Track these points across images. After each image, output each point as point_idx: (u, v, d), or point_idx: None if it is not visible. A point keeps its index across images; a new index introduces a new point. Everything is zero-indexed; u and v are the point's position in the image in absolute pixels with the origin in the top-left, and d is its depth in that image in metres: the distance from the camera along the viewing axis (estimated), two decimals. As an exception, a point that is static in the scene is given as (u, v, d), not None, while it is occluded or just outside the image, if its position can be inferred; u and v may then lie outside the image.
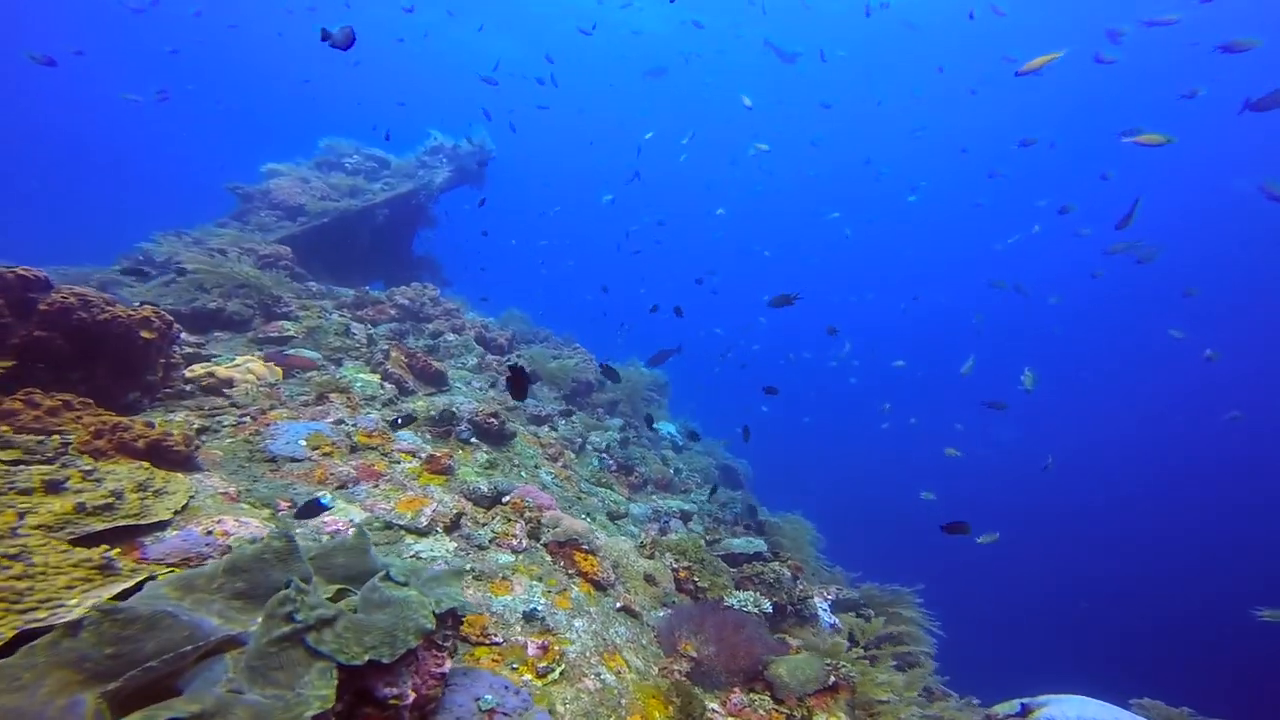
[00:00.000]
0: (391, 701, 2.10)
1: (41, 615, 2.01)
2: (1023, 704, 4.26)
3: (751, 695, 3.81)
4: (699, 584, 4.79)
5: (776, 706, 3.72)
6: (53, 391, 3.98)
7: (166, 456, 3.70)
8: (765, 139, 16.08)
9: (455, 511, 4.21)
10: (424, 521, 4.00)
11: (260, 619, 2.01)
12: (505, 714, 2.56)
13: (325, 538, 3.64)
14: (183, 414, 4.72)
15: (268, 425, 4.75)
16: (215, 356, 6.17)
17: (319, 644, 1.95)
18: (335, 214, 10.87)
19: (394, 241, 12.90)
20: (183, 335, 5.81)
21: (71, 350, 4.67)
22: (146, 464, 3.37)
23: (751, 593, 4.75)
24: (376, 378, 6.26)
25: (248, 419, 4.84)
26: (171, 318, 5.04)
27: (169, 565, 2.84)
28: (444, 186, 13.21)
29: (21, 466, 2.93)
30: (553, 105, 24.30)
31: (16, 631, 1.92)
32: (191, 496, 3.37)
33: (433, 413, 5.65)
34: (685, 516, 6.74)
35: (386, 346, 6.96)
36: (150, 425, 3.72)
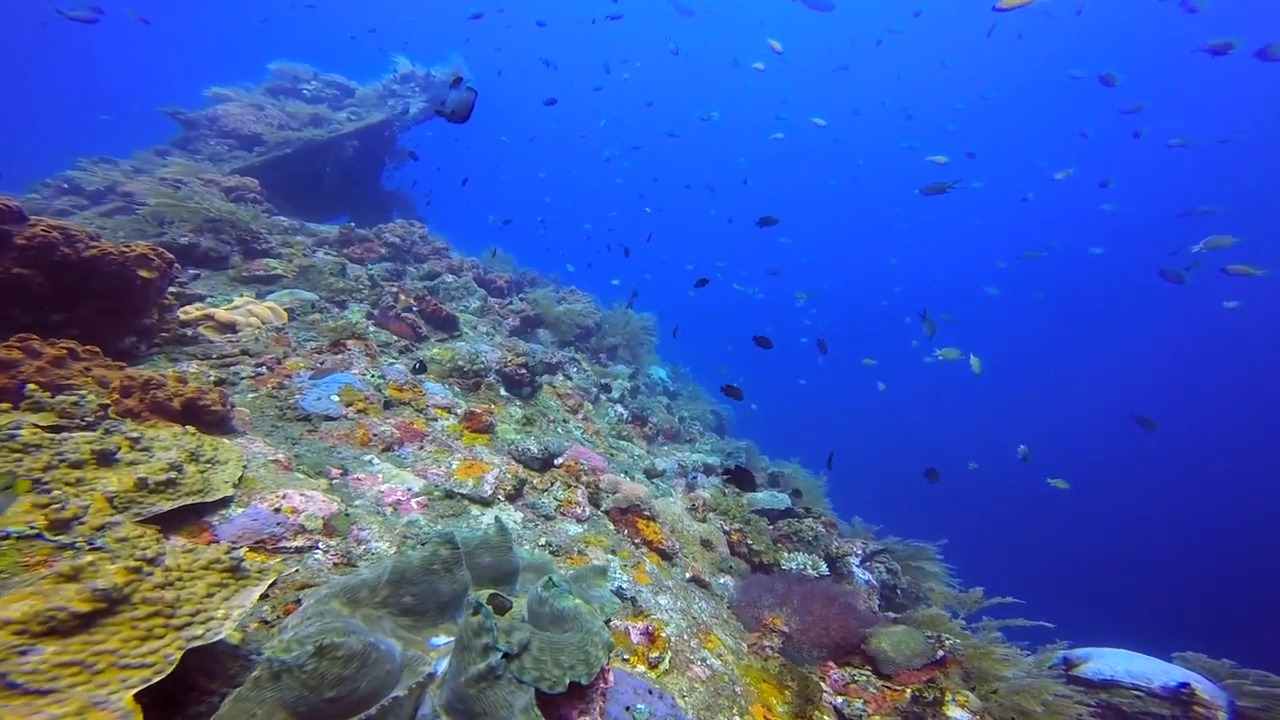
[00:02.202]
0: None
1: (199, 631, 1.72)
2: (1064, 656, 4.43)
3: (849, 670, 3.71)
4: (752, 547, 4.73)
5: (887, 683, 3.63)
6: (33, 337, 3.50)
7: (202, 417, 3.33)
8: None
9: (518, 478, 3.97)
10: (487, 490, 3.75)
11: (454, 653, 1.79)
12: (657, 725, 2.43)
13: (388, 510, 3.38)
14: (193, 365, 4.27)
15: (289, 377, 4.35)
16: (205, 297, 5.63)
17: (522, 673, 1.75)
18: (298, 145, 9.96)
19: (362, 176, 12.00)
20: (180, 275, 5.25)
21: (54, 290, 4.13)
22: (192, 429, 3.01)
23: (810, 556, 4.73)
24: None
25: (264, 369, 4.43)
26: (172, 255, 4.50)
27: (245, 549, 2.56)
28: (418, 117, 12.27)
29: (64, 434, 2.54)
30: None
31: (183, 652, 1.64)
32: (244, 466, 3.04)
33: (460, 362, 5.31)
34: (708, 470, 6.67)
35: (395, 289, 6.48)
36: (183, 381, 3.31)
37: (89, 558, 1.71)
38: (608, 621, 2.22)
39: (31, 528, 1.84)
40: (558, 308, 8.45)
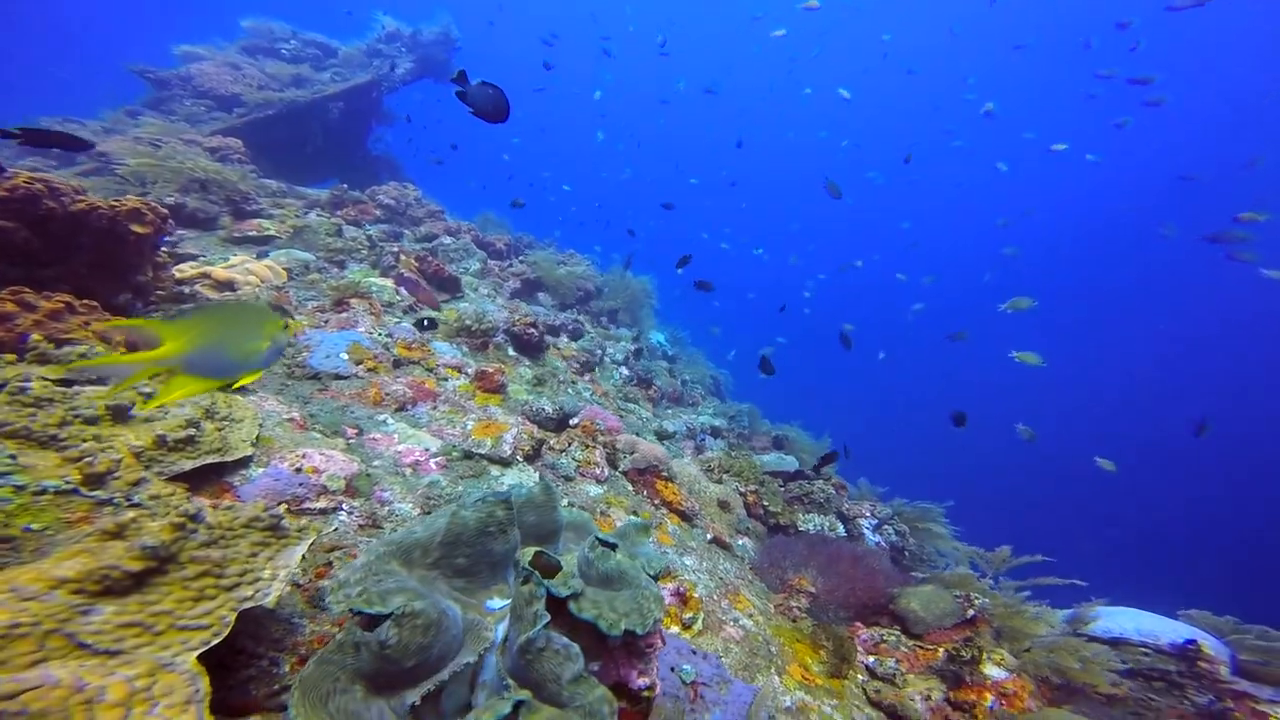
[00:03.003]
0: (645, 694, 1.88)
1: (249, 592, 1.63)
2: (1072, 614, 4.49)
3: (878, 630, 3.71)
4: (768, 508, 4.71)
5: (918, 643, 3.64)
6: (25, 289, 3.32)
7: (212, 374, 3.17)
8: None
9: (535, 439, 3.88)
10: (506, 450, 3.66)
11: (510, 620, 1.73)
12: (706, 684, 2.40)
13: (408, 471, 3.28)
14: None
15: (295, 335, 4.19)
16: (197, 257, 5.40)
17: (580, 612, 1.68)
18: (281, 106, 9.52)
19: (348, 139, 11.56)
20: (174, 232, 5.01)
21: (41, 245, 3.92)
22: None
23: (825, 517, 4.73)
24: (389, 283, 5.65)
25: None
26: (166, 210, 4.27)
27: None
28: (406, 78, 11.81)
29: (75, 389, 2.39)
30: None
31: (236, 613, 1.55)
32: (260, 425, 2.91)
33: (467, 321, 5.16)
34: (715, 432, 6.64)
35: (396, 249, 6.27)
36: (189, 337, 3.15)
37: (130, 514, 1.60)
38: (655, 577, 2.16)
39: (67, 482, 1.72)
40: (559, 270, 8.27)
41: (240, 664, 1.98)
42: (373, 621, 1.70)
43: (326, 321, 4.57)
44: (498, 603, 2.02)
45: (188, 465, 2.31)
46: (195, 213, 6.28)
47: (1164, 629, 4.36)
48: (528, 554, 2.22)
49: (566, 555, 2.36)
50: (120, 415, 2.32)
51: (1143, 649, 4.47)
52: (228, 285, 4.89)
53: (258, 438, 2.77)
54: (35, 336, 2.58)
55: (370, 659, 1.63)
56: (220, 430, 2.59)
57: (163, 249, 4.84)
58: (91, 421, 2.21)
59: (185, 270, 4.86)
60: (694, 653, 2.59)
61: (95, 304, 3.50)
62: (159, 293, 4.43)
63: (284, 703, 2.00)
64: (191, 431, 2.39)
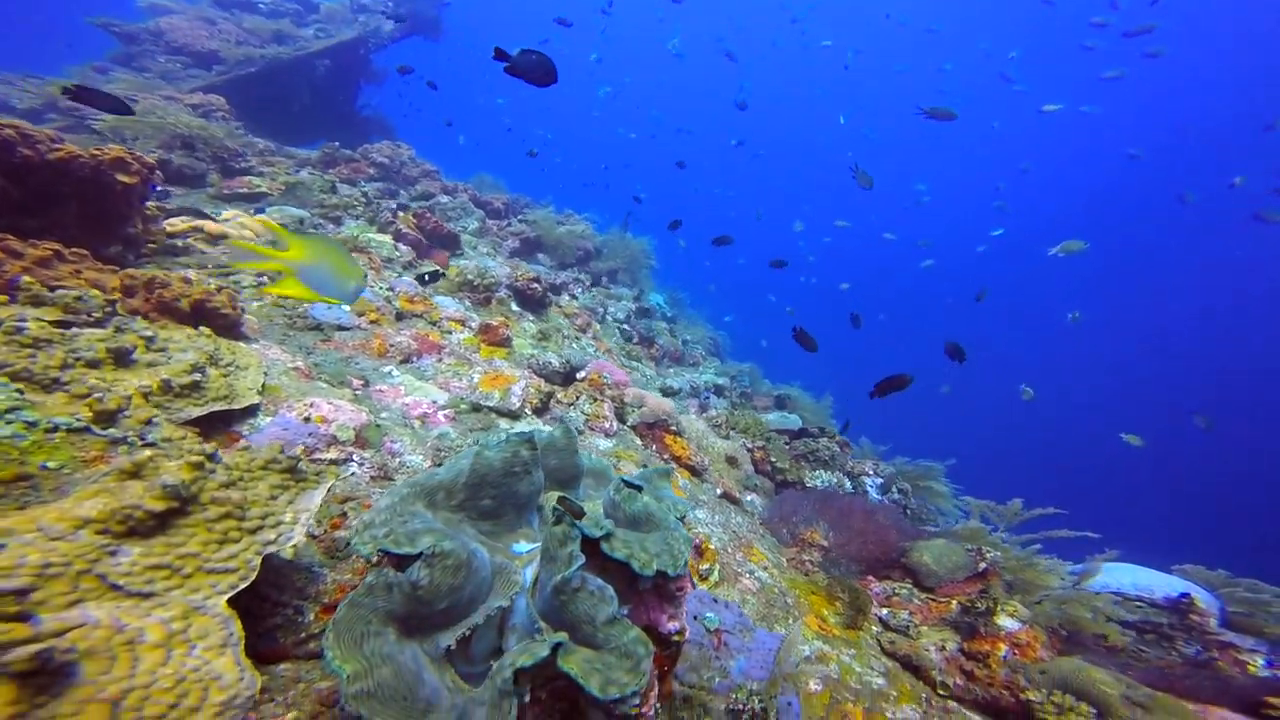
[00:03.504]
0: (675, 638, 1.84)
1: (271, 536, 1.56)
2: (1083, 568, 4.54)
3: (889, 583, 3.71)
4: (776, 464, 4.69)
5: (931, 596, 3.65)
6: (8, 236, 3.17)
7: (213, 320, 3.06)
8: None
9: (544, 391, 3.80)
10: (515, 402, 3.59)
11: (540, 562, 1.68)
12: (729, 632, 2.37)
13: (416, 423, 3.20)
14: (190, 275, 3.95)
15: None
16: (186, 212, 5.21)
17: (612, 551, 1.62)
18: (263, 64, 9.12)
19: (336, 99, 11.15)
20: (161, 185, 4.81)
21: (20, 194, 3.75)
22: (207, 331, 2.75)
23: (833, 474, 4.71)
24: (387, 239, 5.49)
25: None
26: (152, 161, 4.08)
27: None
28: (395, 35, 11.37)
29: (74, 331, 2.28)
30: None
31: (261, 557, 1.48)
32: (265, 373, 2.81)
33: (469, 276, 5.04)
34: (718, 390, 6.59)
35: (393, 205, 6.09)
36: (187, 282, 3.03)
37: (147, 453, 1.52)
38: (681, 518, 2.11)
39: (78, 420, 1.64)
40: (558, 229, 8.10)
41: (266, 612, 1.93)
42: (401, 563, 1.65)
43: (325, 276, 4.43)
44: (524, 546, 1.97)
45: (195, 412, 2.22)
46: (181, 169, 6.06)
47: (1159, 584, 4.43)
48: (551, 498, 2.16)
49: (589, 503, 2.31)
50: (122, 359, 2.22)
51: (1138, 603, 4.55)
52: (221, 239, 4.73)
53: (264, 386, 2.67)
54: (26, 279, 2.45)
55: (402, 600, 1.57)
56: (226, 376, 2.49)
57: (151, 202, 4.66)
58: (93, 365, 2.11)
59: (176, 224, 4.68)
60: (715, 601, 2.57)
61: (85, 252, 3.36)
62: (150, 245, 4.28)
63: (312, 651, 1.96)
64: (197, 377, 2.29)
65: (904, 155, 54.02)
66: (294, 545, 1.59)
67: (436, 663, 1.69)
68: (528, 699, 1.56)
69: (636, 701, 1.71)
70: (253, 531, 1.56)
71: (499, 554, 1.87)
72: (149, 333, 2.44)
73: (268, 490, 1.68)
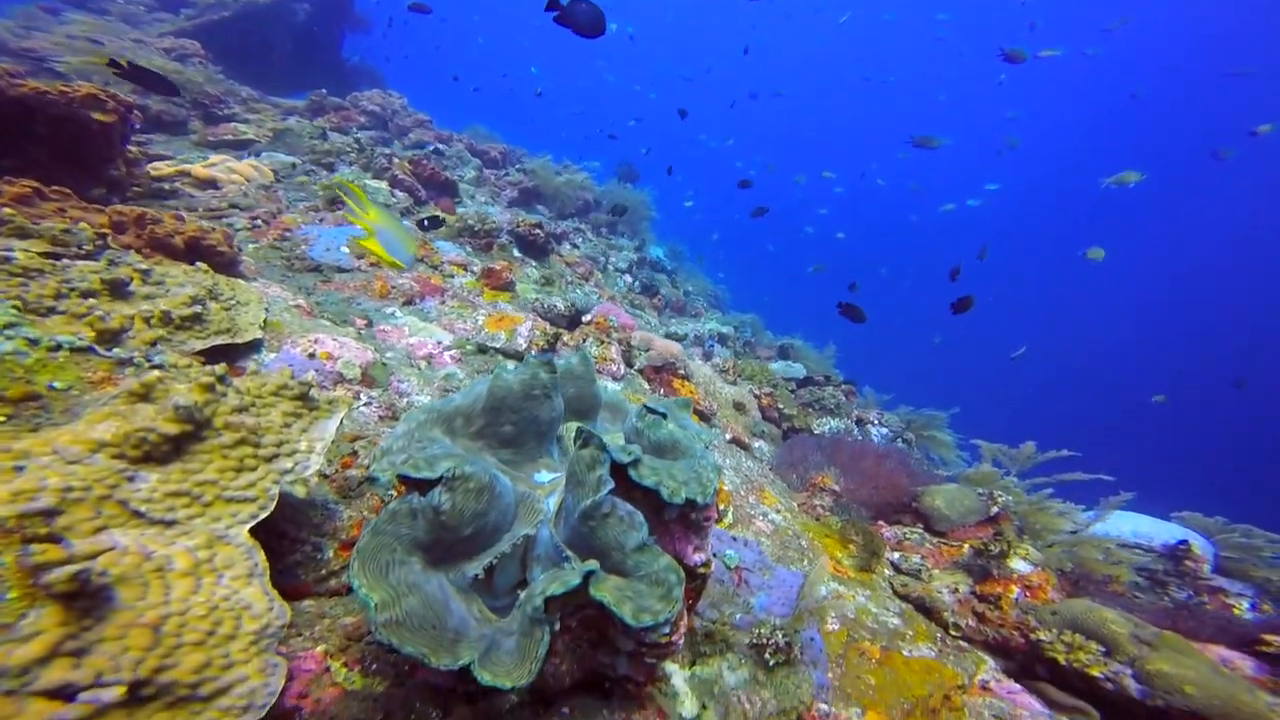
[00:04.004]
0: (701, 570, 1.79)
1: (288, 464, 1.50)
2: (1094, 514, 4.56)
3: (900, 528, 3.69)
4: (783, 410, 4.64)
5: (943, 540, 3.63)
6: None
7: (209, 258, 2.94)
8: None
9: (550, 334, 3.71)
10: (521, 344, 3.50)
11: (566, 488, 1.62)
12: (749, 570, 2.34)
13: (422, 363, 3.12)
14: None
15: (290, 230, 3.92)
16: (172, 158, 5.01)
17: (640, 479, 1.56)
18: (236, 8, 8.64)
19: (320, 47, 10.64)
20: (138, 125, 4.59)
21: (-11, 133, 3.58)
22: (204, 266, 2.64)
23: (840, 420, 4.68)
24: (383, 185, 5.31)
25: (260, 222, 3.98)
26: (129, 100, 3.87)
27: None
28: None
29: (65, 263, 2.16)
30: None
31: (279, 486, 1.42)
32: (266, 310, 2.71)
33: (470, 221, 4.89)
34: (722, 339, 6.52)
35: (388, 152, 5.88)
36: (180, 218, 2.89)
37: (155, 374, 1.43)
38: (707, 447, 2.05)
39: (80, 339, 1.55)
40: (557, 178, 7.87)
41: (285, 549, 1.88)
42: (422, 490, 1.58)
43: (321, 220, 4.28)
44: (546, 476, 1.91)
45: (197, 345, 2.12)
46: (160, 115, 5.80)
47: (1158, 531, 4.48)
48: (570, 429, 2.09)
49: (609, 436, 2.25)
50: (118, 290, 2.11)
51: (1137, 550, 4.61)
52: (210, 184, 4.56)
53: (266, 322, 2.57)
54: (8, 211, 2.32)
55: (426, 527, 1.51)
56: (227, 311, 2.39)
57: (131, 143, 4.45)
58: (89, 295, 2.00)
59: (161, 168, 4.50)
60: (735, 539, 2.54)
61: (68, 191, 3.21)
62: (136, 189, 4.10)
63: (334, 589, 1.92)
64: (197, 309, 2.19)
65: (915, 106, 53.10)
66: (311, 476, 1.52)
67: (463, 593, 1.65)
68: (558, 627, 1.52)
69: (668, 630, 1.67)
70: (269, 459, 1.49)
71: (521, 483, 1.81)
72: (144, 266, 2.32)
73: (281, 418, 1.60)
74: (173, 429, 1.34)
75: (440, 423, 1.73)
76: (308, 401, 1.70)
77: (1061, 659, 2.99)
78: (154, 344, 1.74)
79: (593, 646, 1.72)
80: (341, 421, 1.76)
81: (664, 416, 1.86)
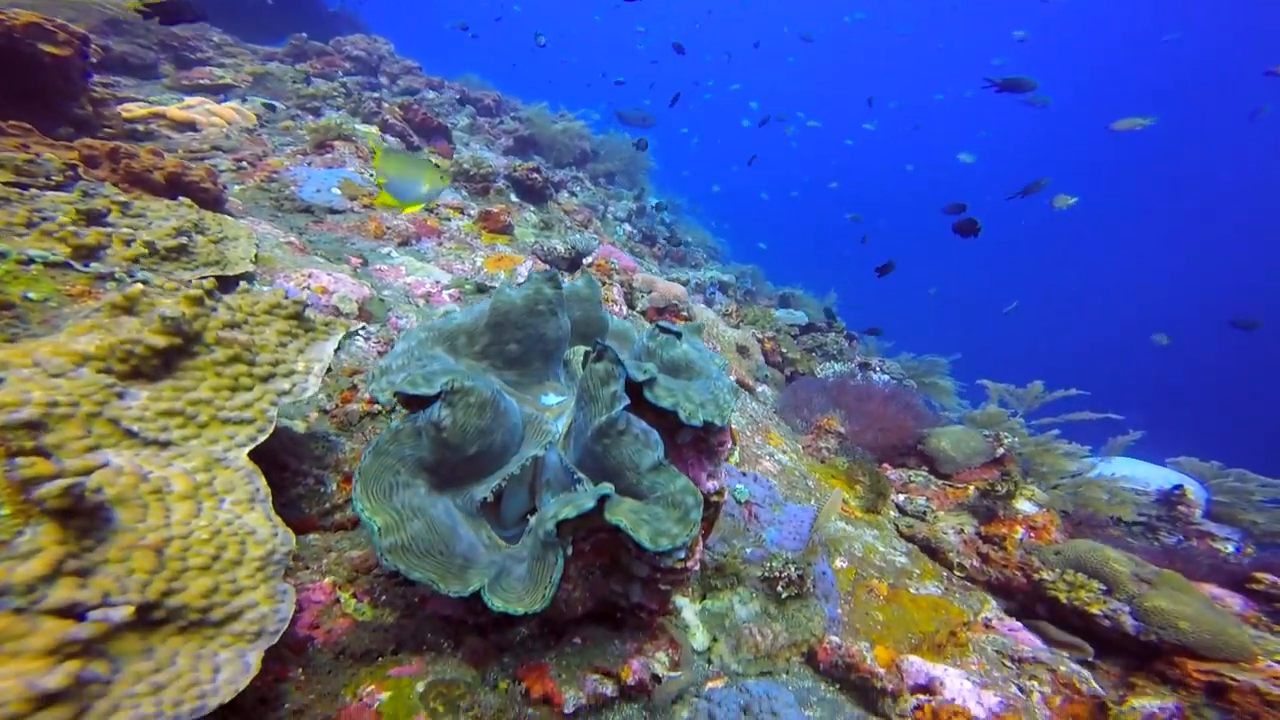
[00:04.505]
0: (714, 498, 1.73)
1: (285, 385, 1.42)
2: (1101, 458, 4.55)
3: (905, 471, 3.67)
4: (786, 355, 4.58)
5: (948, 482, 3.60)
6: None
7: (192, 195, 2.81)
8: None
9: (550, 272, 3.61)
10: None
11: (578, 405, 1.53)
12: (759, 505, 2.29)
13: (420, 302, 3.03)
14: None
15: (277, 172, 3.77)
16: (144, 100, 4.79)
17: (657, 400, 1.49)
18: None
19: None
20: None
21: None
22: (188, 202, 2.51)
23: (844, 365, 4.62)
24: (374, 129, 5.12)
25: (245, 164, 3.83)
26: (81, 30, 3.64)
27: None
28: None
29: (33, 192, 2.04)
30: None
31: (276, 407, 1.35)
32: (257, 244, 2.60)
33: (465, 165, 4.73)
34: (723, 287, 6.41)
35: (376, 96, 5.66)
36: (158, 154, 2.75)
37: (139, 286, 1.35)
38: (721, 369, 1.98)
39: (54, 254, 1.45)
40: (554, 126, 7.62)
41: (287, 482, 1.82)
42: (424, 407, 1.51)
43: (310, 163, 4.12)
44: (553, 399, 1.84)
45: (185, 275, 2.03)
46: (126, 57, 5.52)
47: (1155, 476, 4.48)
48: (578, 352, 2.02)
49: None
50: (95, 221, 2.00)
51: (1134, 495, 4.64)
52: (189, 127, 4.36)
53: (257, 256, 2.47)
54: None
55: (429, 445, 1.44)
56: (216, 244, 2.29)
57: (95, 80, 4.21)
58: (78, 234, 1.89)
59: (134, 110, 4.29)
60: (744, 475, 2.50)
61: (29, 126, 3.03)
62: (107, 130, 3.90)
63: (340, 522, 1.87)
64: (183, 240, 2.08)
65: (925, 59, 51.96)
66: (309, 399, 1.45)
67: (472, 518, 1.60)
68: (570, 551, 1.47)
69: (683, 554, 1.63)
70: (265, 379, 1.42)
71: (528, 405, 1.74)
72: (122, 198, 2.20)
73: (276, 337, 1.52)
74: (161, 341, 1.26)
75: (442, 341, 1.65)
76: (303, 322, 1.62)
77: (1063, 597, 3.02)
78: (135, 261, 1.64)
79: (605, 574, 1.68)
80: (340, 344, 1.68)
81: (678, 336, 1.78)
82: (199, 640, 1.16)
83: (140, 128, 4.04)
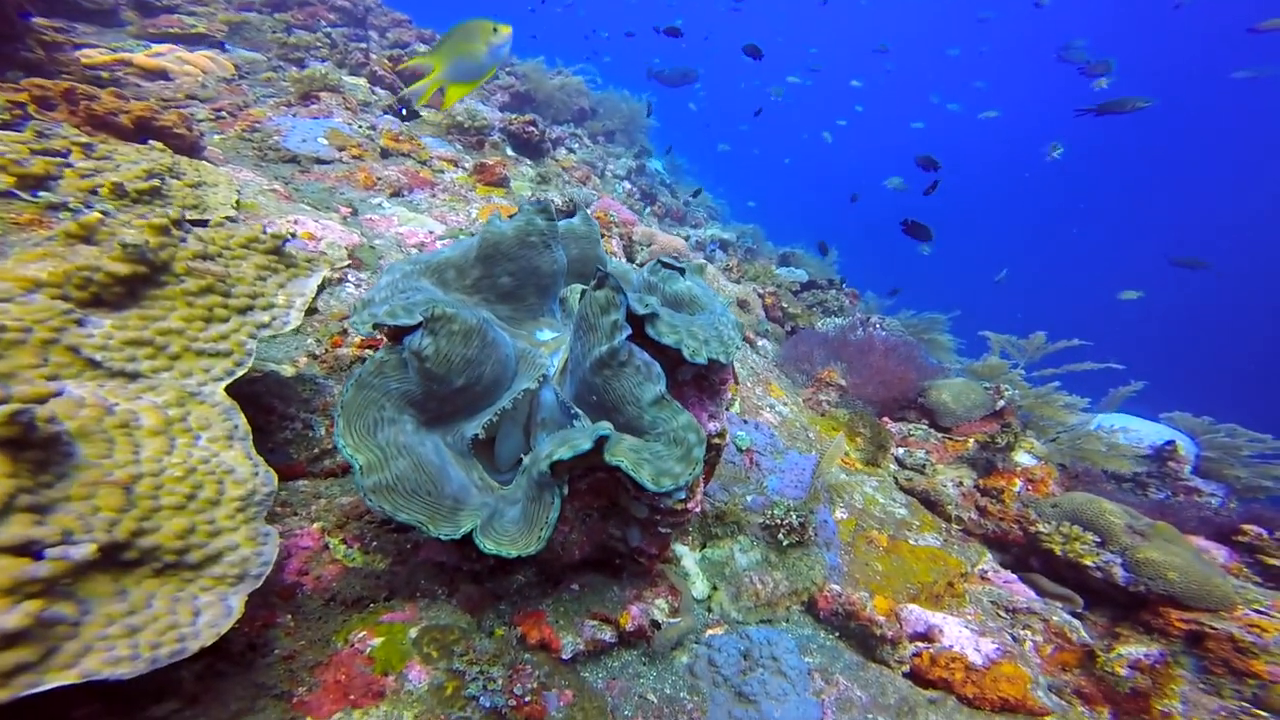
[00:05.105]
0: (715, 440, 1.66)
1: (265, 319, 1.35)
2: (1087, 409, 4.52)
3: (905, 424, 3.61)
4: (787, 310, 4.50)
5: (948, 436, 3.55)
6: None
7: (164, 140, 2.67)
8: None
9: (547, 224, 3.51)
10: (517, 234, 3.30)
11: (576, 335, 1.45)
12: (760, 453, 2.23)
13: (413, 251, 2.93)
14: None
15: (260, 122, 3.63)
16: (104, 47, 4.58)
17: (659, 336, 1.41)
18: None
19: None
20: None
21: None
22: (160, 145, 2.40)
23: (847, 320, 4.54)
24: (363, 81, 4.94)
25: (224, 114, 3.68)
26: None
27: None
28: None
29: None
30: None
31: (256, 340, 1.27)
32: (238, 191, 2.49)
33: (458, 118, 4.58)
34: (724, 245, 6.29)
35: (364, 48, 5.44)
36: (122, 96, 2.62)
37: (96, 214, 1.26)
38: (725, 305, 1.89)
39: (-2, 184, 1.36)
40: (551, 81, 7.37)
41: (273, 426, 1.76)
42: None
43: (295, 114, 3.97)
44: (548, 334, 1.77)
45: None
46: (81, 3, 5.23)
47: (1149, 432, 4.44)
48: (575, 290, 1.94)
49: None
50: (52, 159, 1.89)
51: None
52: (160, 76, 4.17)
53: (239, 202, 2.37)
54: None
55: (415, 377, 1.37)
56: (194, 188, 2.18)
57: (36, 21, 3.94)
58: (21, 162, 1.78)
59: (94, 56, 4.07)
60: (745, 422, 2.44)
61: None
62: (65, 76, 3.69)
63: (329, 469, 1.81)
64: (155, 183, 1.98)
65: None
66: (291, 331, 1.37)
67: (463, 458, 1.54)
68: (567, 491, 1.40)
69: (684, 495, 1.58)
70: (242, 311, 1.34)
71: (522, 340, 1.67)
72: (84, 139, 2.09)
73: (254, 270, 1.44)
74: (122, 269, 1.18)
75: (429, 273, 1.57)
76: (283, 256, 1.54)
77: (1058, 549, 3.02)
78: (93, 193, 1.54)
79: (603, 517, 1.63)
80: (325, 283, 1.60)
81: (681, 273, 1.70)
82: (177, 583, 1.12)
83: (104, 74, 3.84)
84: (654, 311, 1.44)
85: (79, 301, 1.16)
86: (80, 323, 1.14)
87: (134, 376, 1.18)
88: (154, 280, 1.25)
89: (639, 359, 1.38)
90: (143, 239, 1.22)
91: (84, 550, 1.00)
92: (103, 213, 1.39)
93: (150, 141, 2.42)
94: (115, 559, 1.04)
